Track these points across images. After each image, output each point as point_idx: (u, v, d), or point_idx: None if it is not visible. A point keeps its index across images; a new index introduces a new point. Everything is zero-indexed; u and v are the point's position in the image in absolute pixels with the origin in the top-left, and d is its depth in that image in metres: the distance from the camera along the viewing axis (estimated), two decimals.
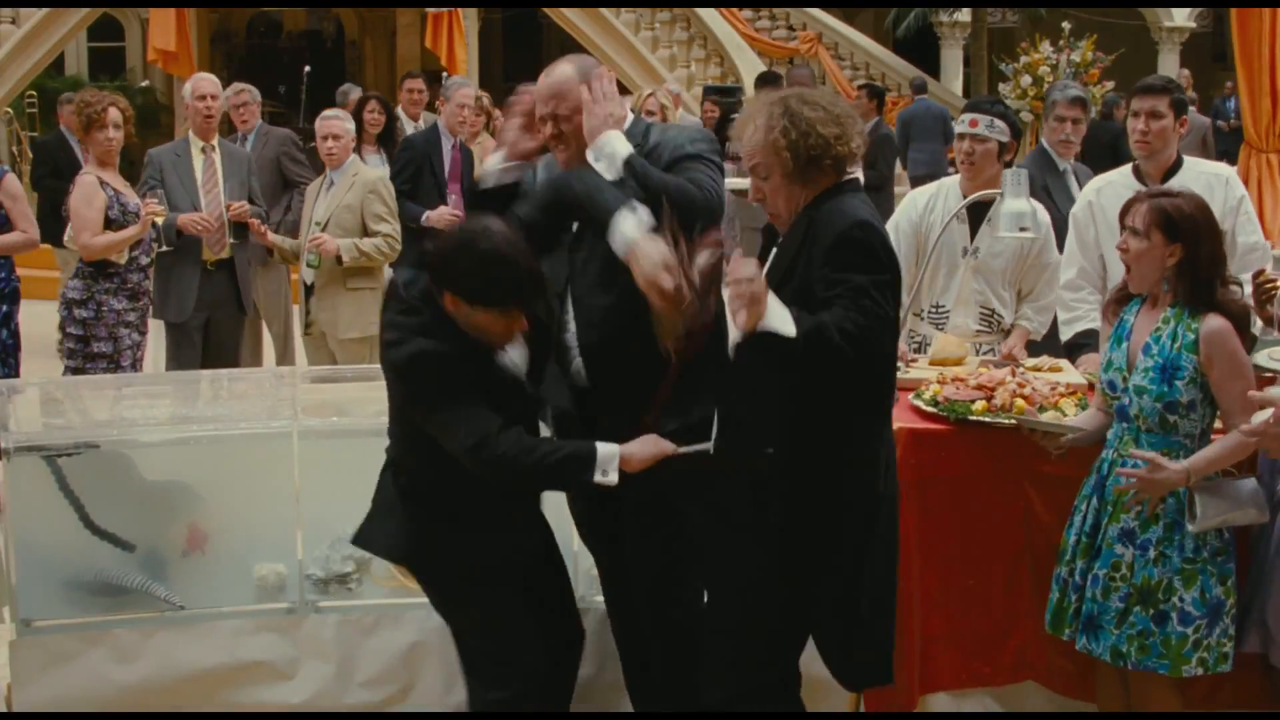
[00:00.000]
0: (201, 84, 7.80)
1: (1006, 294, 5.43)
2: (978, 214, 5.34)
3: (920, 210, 5.41)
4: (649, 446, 3.77)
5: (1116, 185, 5.20)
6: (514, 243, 3.74)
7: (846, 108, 3.64)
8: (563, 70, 4.06)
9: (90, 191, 6.71)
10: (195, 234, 7.24)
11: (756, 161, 3.61)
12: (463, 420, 3.78)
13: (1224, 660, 4.05)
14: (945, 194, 5.42)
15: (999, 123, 5.27)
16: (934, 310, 5.43)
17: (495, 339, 3.84)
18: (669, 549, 4.07)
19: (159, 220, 6.91)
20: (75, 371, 6.67)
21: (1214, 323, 3.98)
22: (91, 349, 6.72)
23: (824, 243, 3.45)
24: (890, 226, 5.35)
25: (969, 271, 5.34)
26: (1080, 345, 5.16)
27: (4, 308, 7.24)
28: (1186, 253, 4.02)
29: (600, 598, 4.51)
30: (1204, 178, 5.10)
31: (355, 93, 9.39)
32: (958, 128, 5.36)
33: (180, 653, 4.62)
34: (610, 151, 3.91)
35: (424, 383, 3.80)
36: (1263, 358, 4.45)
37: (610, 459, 3.76)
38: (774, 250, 3.68)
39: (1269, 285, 4.75)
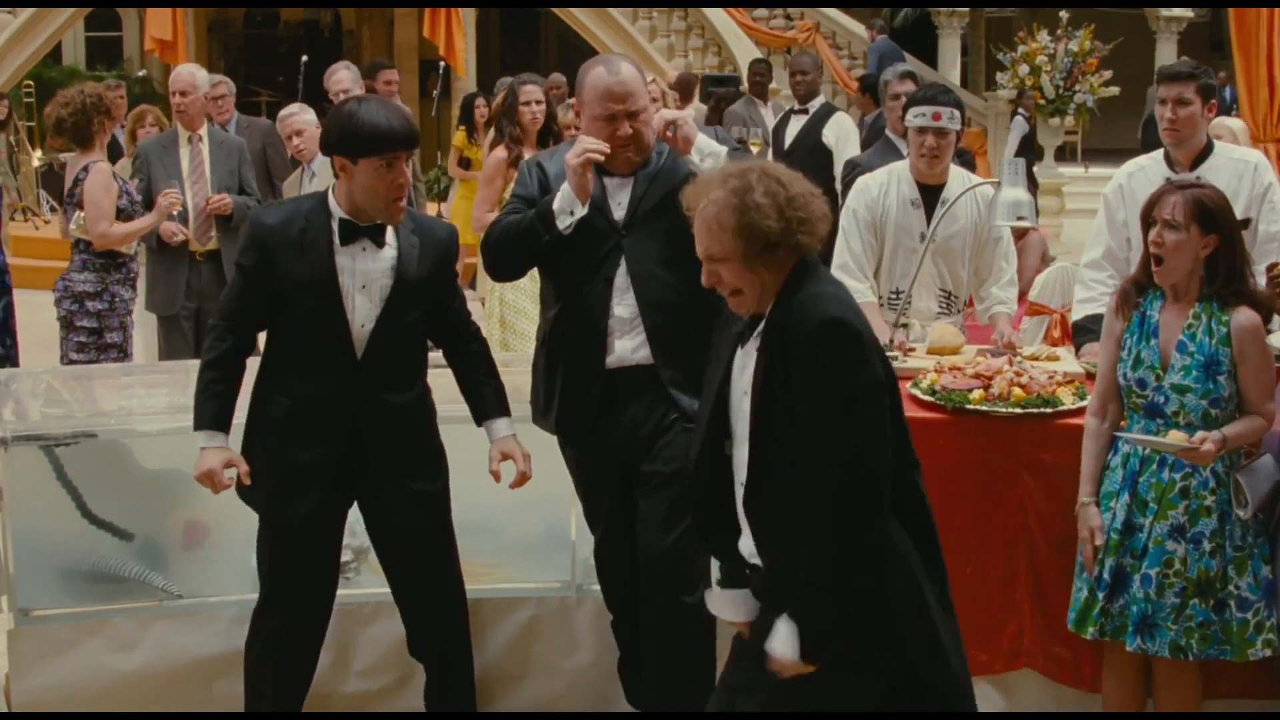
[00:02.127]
0: (175, 80, 7.71)
1: (964, 273, 5.51)
2: (931, 199, 5.40)
3: (874, 197, 5.47)
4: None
5: (1148, 170, 5.20)
6: (376, 99, 4.11)
7: (806, 186, 3.26)
8: (628, 69, 4.15)
9: (107, 180, 6.74)
10: (173, 244, 7.25)
11: (708, 245, 3.23)
12: (229, 296, 4.22)
13: None
14: (897, 180, 5.48)
15: (956, 113, 5.37)
16: (893, 296, 5.46)
17: (388, 199, 4.01)
18: (687, 534, 4.08)
19: (176, 210, 7.00)
20: (89, 364, 6.65)
21: (1246, 316, 4.02)
22: (105, 340, 6.74)
23: (797, 349, 3.14)
24: (848, 214, 5.47)
25: (927, 256, 5.37)
26: (1090, 329, 5.16)
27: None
28: (1221, 243, 4.03)
29: (597, 586, 4.52)
30: (1233, 163, 5.10)
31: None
32: (916, 120, 5.35)
33: (178, 642, 4.64)
34: (711, 150, 4.10)
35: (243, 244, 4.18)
36: (1276, 339, 4.48)
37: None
38: (745, 347, 3.33)
39: None
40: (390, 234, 4.14)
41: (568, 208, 4.08)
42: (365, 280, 4.09)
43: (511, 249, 4.25)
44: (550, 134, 7.13)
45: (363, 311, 4.09)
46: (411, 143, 4.04)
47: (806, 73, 10.43)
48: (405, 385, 4.20)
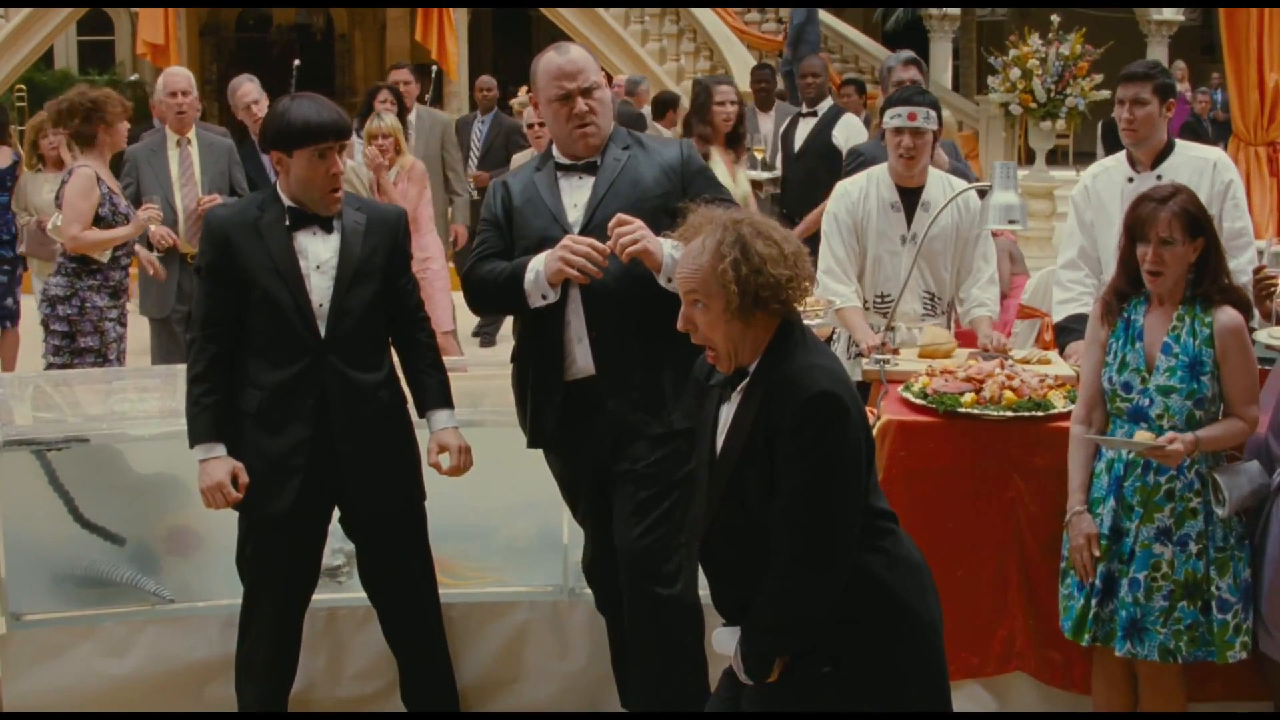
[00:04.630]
0: (173, 80, 7.69)
1: (946, 275, 5.52)
2: (910, 201, 5.43)
3: (855, 200, 5.48)
4: None
5: (1112, 171, 5.26)
6: (309, 95, 4.24)
7: (799, 245, 3.23)
8: (578, 50, 4.18)
9: (87, 185, 6.67)
10: (161, 248, 7.20)
11: (695, 287, 3.17)
12: (199, 304, 4.25)
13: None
14: (876, 183, 5.49)
15: (932, 113, 5.37)
16: (879, 300, 5.47)
17: (323, 190, 4.14)
18: (657, 527, 4.09)
19: (154, 225, 6.94)
20: (63, 368, 6.64)
21: (1229, 316, 4.05)
22: (78, 344, 6.70)
23: (785, 419, 3.10)
24: (829, 219, 5.48)
25: (909, 258, 5.38)
26: (1071, 330, 5.17)
27: None
28: (1206, 244, 4.06)
29: (589, 589, 4.52)
30: (1193, 161, 5.13)
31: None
32: (892, 121, 5.36)
33: (170, 646, 4.64)
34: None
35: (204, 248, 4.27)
36: (1263, 335, 4.49)
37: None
38: (725, 414, 3.30)
39: (1269, 281, 4.80)
40: (336, 218, 4.25)
41: (539, 292, 4.06)
42: (319, 261, 4.20)
43: (489, 301, 4.32)
44: (739, 137, 7.19)
45: (320, 291, 4.19)
46: (342, 134, 4.16)
47: (817, 75, 10.40)
48: (370, 365, 4.26)
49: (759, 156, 10.25)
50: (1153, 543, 4.06)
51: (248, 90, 8.64)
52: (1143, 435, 4.01)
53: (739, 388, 3.23)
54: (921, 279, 5.43)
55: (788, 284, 3.15)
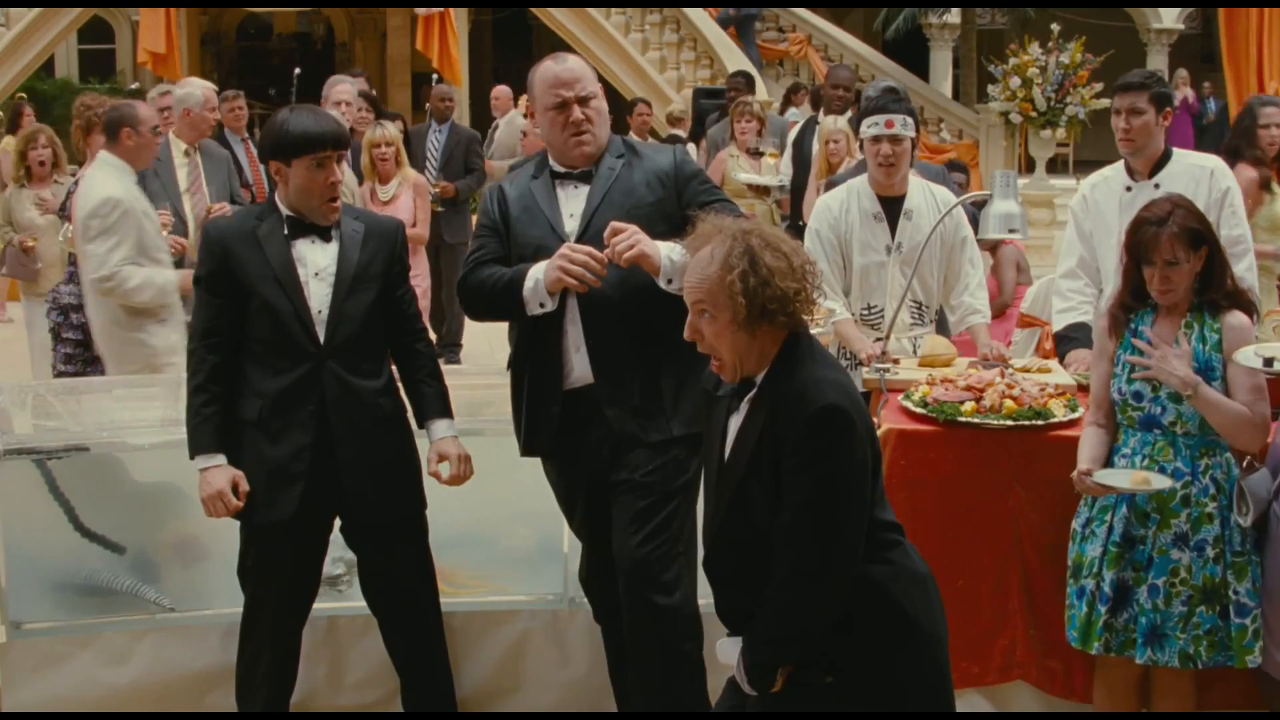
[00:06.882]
0: (210, 92, 7.71)
1: (934, 282, 5.50)
2: (893, 210, 5.42)
3: (836, 214, 5.47)
4: None
5: (1111, 181, 5.25)
6: (308, 107, 4.31)
7: (807, 258, 3.23)
8: (575, 60, 4.20)
9: None
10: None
11: (702, 297, 3.17)
12: (198, 316, 4.28)
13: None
14: (857, 194, 5.49)
15: (909, 120, 5.36)
16: (866, 311, 5.47)
17: (321, 199, 4.19)
18: (656, 536, 4.08)
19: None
20: (76, 375, 6.64)
21: (1237, 319, 4.08)
22: (92, 352, 6.71)
23: (791, 432, 3.10)
24: (811, 236, 5.47)
25: (895, 268, 5.37)
26: (1070, 338, 5.18)
27: None
28: (1210, 252, 4.08)
29: (586, 600, 4.52)
30: (1190, 169, 5.13)
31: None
32: (870, 130, 5.35)
33: (171, 655, 4.64)
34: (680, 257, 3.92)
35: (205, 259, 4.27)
36: (1244, 354, 4.46)
37: None
38: (733, 424, 3.30)
39: None
40: (334, 227, 4.28)
41: (537, 300, 4.06)
42: (317, 268, 4.23)
43: (486, 307, 4.28)
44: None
45: (318, 297, 4.21)
46: (340, 143, 4.21)
47: (848, 88, 10.38)
48: (369, 372, 4.27)
49: (772, 161, 10.22)
50: (1170, 548, 4.06)
51: (343, 90, 8.77)
52: (1139, 476, 3.99)
53: (746, 399, 3.23)
54: (909, 289, 5.43)
55: (795, 297, 3.15)
